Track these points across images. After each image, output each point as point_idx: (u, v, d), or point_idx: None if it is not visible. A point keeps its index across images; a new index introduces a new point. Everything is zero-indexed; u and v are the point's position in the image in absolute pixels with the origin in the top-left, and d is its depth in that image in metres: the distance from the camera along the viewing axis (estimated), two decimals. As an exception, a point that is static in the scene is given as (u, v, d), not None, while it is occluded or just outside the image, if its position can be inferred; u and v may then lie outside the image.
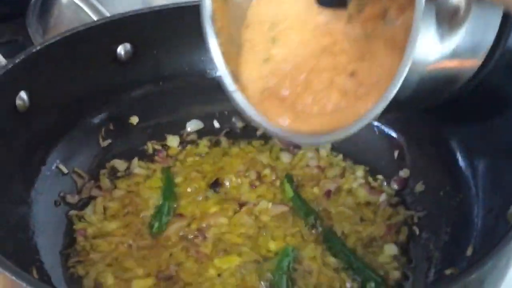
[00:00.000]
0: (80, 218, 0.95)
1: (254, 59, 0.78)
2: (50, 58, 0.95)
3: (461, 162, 0.89)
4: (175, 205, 0.97)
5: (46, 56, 0.95)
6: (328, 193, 0.99)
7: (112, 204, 0.97)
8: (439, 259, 0.84)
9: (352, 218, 0.95)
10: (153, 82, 1.10)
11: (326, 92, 0.69)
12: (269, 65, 0.77)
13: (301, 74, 0.75)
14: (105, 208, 0.97)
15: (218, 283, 0.85)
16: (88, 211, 0.96)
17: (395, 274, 0.87)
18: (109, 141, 1.05)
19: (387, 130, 1.03)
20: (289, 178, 1.01)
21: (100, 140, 1.04)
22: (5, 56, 1.02)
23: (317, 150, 1.06)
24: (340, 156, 1.06)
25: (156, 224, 0.93)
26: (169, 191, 0.99)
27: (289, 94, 0.74)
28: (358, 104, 0.65)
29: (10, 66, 0.90)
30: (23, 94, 0.92)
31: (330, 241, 0.90)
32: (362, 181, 1.01)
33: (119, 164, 1.04)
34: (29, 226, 0.88)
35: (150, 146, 1.07)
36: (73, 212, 0.95)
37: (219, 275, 0.86)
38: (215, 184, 1.01)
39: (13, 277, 0.59)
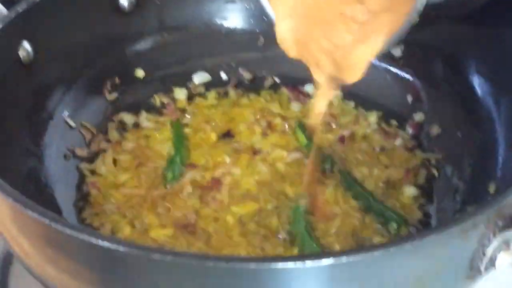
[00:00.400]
0: (91, 171, 0.93)
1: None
2: (52, 7, 0.92)
3: (483, 98, 0.87)
4: (187, 156, 0.94)
5: (48, 5, 0.91)
6: (342, 139, 0.97)
7: (123, 157, 0.95)
8: (463, 193, 0.83)
9: (368, 163, 0.93)
10: (158, 33, 1.07)
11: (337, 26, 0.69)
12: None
13: (319, 13, 0.75)
14: (115, 161, 0.94)
15: (238, 230, 0.83)
16: (98, 163, 0.93)
17: (417, 214, 0.85)
18: (115, 94, 1.02)
19: (400, 73, 1.01)
20: (301, 126, 0.99)
21: (106, 93, 1.02)
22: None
23: (328, 97, 1.04)
24: (352, 103, 1.04)
25: (170, 174, 0.91)
26: (180, 142, 0.96)
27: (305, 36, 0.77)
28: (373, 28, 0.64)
29: (12, 16, 0.87)
30: (26, 45, 0.89)
31: (348, 184, 0.89)
32: (376, 126, 0.99)
33: (127, 118, 1.01)
34: (40, 179, 0.86)
35: (157, 99, 1.04)
36: (84, 165, 0.93)
37: (238, 222, 0.84)
38: (227, 135, 0.99)
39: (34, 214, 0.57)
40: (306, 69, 0.84)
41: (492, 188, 0.80)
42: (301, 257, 0.55)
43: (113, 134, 0.98)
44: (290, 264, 0.53)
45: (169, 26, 1.07)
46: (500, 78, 0.85)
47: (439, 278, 0.60)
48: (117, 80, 1.03)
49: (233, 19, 1.10)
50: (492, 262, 0.60)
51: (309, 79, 1.04)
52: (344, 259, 0.53)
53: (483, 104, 0.86)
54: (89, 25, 0.98)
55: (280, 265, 0.54)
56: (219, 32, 1.10)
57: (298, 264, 0.53)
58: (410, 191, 0.88)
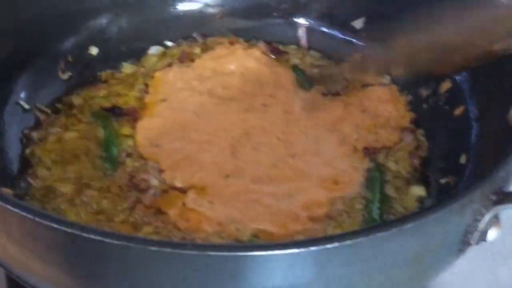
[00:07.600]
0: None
1: None
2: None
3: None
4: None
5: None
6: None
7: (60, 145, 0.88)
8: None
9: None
10: (112, 10, 1.02)
11: None
12: None
13: None
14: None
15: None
16: (40, 150, 0.87)
17: None
18: (69, 73, 0.97)
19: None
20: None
21: (60, 73, 0.96)
22: None
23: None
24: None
25: (109, 165, 0.84)
26: (110, 134, 0.89)
27: None
28: None
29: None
30: (-30, 21, 0.83)
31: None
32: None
33: (76, 99, 0.95)
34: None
35: (103, 75, 0.99)
36: (28, 151, 0.86)
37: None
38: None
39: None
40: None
41: (463, 159, 0.81)
42: (303, 242, 0.53)
43: (61, 119, 0.91)
44: (294, 249, 0.52)
45: (123, 2, 1.02)
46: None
47: (434, 254, 0.60)
48: (70, 58, 0.97)
49: (190, -8, 1.06)
50: (483, 236, 0.61)
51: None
52: (348, 242, 0.52)
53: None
54: (40, 1, 0.92)
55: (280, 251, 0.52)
56: (174, 9, 1.06)
57: (301, 248, 0.52)
58: None
